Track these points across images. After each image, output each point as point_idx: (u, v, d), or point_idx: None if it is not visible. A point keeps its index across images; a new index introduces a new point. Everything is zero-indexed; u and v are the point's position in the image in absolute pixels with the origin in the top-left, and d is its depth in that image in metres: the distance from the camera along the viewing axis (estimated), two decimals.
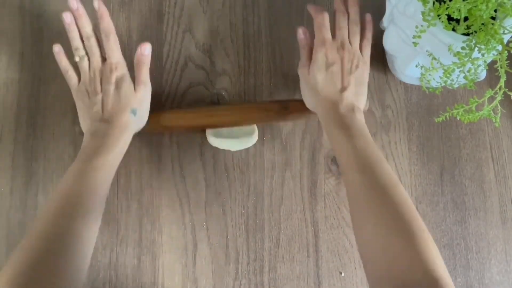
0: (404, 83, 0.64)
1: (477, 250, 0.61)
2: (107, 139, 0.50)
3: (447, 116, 0.48)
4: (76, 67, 0.54)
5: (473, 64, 0.43)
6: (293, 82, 0.58)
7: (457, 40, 0.45)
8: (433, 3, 0.45)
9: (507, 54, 0.42)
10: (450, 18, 0.44)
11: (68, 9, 0.53)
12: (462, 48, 0.43)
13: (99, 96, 0.52)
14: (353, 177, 0.46)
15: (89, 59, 0.54)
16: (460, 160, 0.63)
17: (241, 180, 0.61)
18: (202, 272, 0.58)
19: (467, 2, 0.40)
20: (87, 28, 0.54)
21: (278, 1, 0.65)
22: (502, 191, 0.62)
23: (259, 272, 0.58)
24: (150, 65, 0.55)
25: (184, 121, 0.58)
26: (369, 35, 0.56)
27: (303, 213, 0.60)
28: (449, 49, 0.44)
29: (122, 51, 0.55)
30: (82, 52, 0.54)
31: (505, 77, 0.43)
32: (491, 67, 0.46)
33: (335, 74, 0.52)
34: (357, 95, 0.53)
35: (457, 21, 0.45)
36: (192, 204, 0.60)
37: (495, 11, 0.45)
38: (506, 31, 0.42)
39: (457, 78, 0.47)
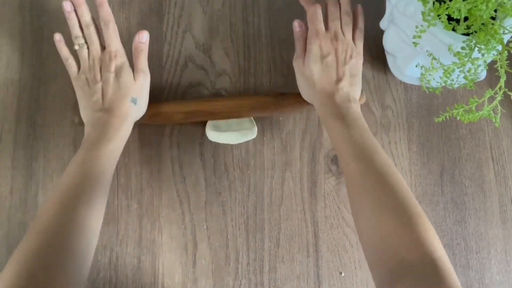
0: (404, 83, 0.64)
1: (477, 250, 0.61)
2: (107, 128, 0.50)
3: (447, 116, 0.48)
4: (76, 55, 0.55)
5: (473, 64, 0.43)
6: (293, 82, 0.58)
7: (457, 40, 0.45)
8: (433, 3, 0.45)
9: (507, 54, 0.42)
10: (450, 18, 0.44)
11: None
12: (462, 48, 0.43)
13: (99, 85, 0.53)
14: (350, 166, 0.47)
15: (88, 48, 0.54)
16: (460, 160, 0.63)
17: (241, 180, 0.61)
18: (202, 272, 0.58)
19: (467, 2, 0.40)
20: (86, 16, 0.54)
21: (278, 1, 0.65)
22: (502, 191, 0.62)
23: (259, 272, 0.58)
24: (151, 67, 0.56)
25: (182, 108, 0.58)
26: (361, 25, 0.57)
27: (303, 213, 0.60)
28: (449, 49, 0.44)
29: None
30: (82, 41, 0.54)
31: (505, 77, 0.43)
32: (491, 67, 0.46)
33: (330, 65, 0.53)
34: (352, 85, 0.53)
35: (457, 21, 0.45)
36: (192, 204, 0.60)
37: (495, 11, 0.45)
38: (506, 31, 0.42)
39: (457, 78, 0.47)
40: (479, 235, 0.61)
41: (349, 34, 0.55)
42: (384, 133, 0.62)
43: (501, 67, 0.43)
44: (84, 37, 0.54)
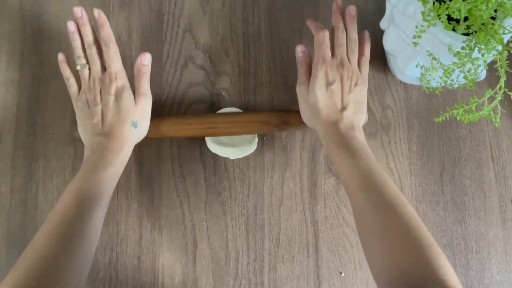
0: (404, 83, 0.64)
1: (477, 250, 0.61)
2: (107, 153, 0.50)
3: (447, 116, 0.48)
4: (77, 75, 0.55)
5: (473, 64, 0.43)
6: (293, 82, 0.58)
7: (457, 40, 0.45)
8: (433, 3, 0.45)
9: (507, 54, 0.42)
10: (450, 18, 0.44)
11: (72, 17, 0.54)
12: (462, 48, 0.43)
13: (99, 107, 0.52)
14: (359, 198, 0.46)
15: (89, 68, 0.54)
16: (460, 160, 0.63)
17: (241, 180, 0.61)
18: (202, 272, 0.58)
19: (467, 2, 0.40)
20: (89, 36, 0.54)
21: (278, 1, 0.65)
22: (502, 191, 0.62)
23: (259, 272, 0.58)
24: (151, 67, 0.56)
25: (184, 132, 0.58)
26: (367, 52, 0.56)
27: (303, 213, 0.60)
28: (449, 49, 0.44)
29: (122, 50, 0.55)
30: (84, 61, 0.54)
31: (505, 77, 0.43)
32: (491, 67, 0.46)
33: (335, 93, 0.52)
34: (357, 113, 0.53)
35: (457, 21, 0.45)
36: (192, 204, 0.60)
37: (495, 11, 0.45)
38: (506, 31, 0.42)
39: (457, 78, 0.47)
40: (479, 235, 0.61)
41: (354, 61, 0.54)
42: (384, 133, 0.62)
43: (501, 67, 0.43)
44: (86, 57, 0.54)
